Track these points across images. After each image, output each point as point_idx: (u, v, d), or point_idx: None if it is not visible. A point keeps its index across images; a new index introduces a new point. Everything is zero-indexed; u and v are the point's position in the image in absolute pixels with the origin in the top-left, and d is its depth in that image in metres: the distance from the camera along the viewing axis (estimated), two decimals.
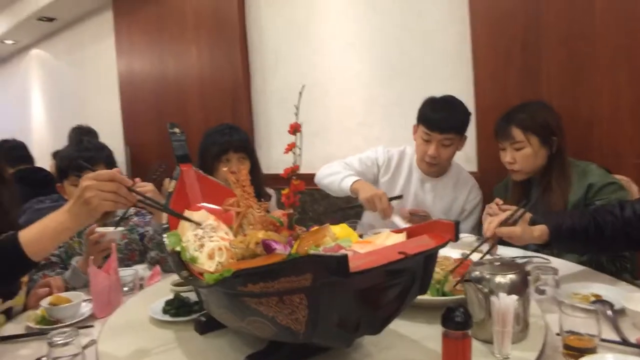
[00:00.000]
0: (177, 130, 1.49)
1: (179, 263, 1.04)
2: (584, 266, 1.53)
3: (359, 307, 0.76)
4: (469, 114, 2.02)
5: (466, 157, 2.46)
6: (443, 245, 0.81)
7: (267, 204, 1.17)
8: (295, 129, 1.08)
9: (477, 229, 2.13)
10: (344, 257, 0.63)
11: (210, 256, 1.04)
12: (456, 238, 0.82)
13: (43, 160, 5.38)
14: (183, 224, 1.16)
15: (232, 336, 1.06)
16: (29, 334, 1.22)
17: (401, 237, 0.90)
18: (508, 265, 0.99)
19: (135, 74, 4.39)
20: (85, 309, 1.34)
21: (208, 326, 1.10)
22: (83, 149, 1.72)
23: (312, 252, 0.80)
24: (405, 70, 2.67)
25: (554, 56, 2.09)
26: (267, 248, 0.96)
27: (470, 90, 2.38)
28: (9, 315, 1.38)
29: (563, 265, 1.50)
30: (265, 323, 0.79)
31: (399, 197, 2.02)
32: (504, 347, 0.87)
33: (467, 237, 1.70)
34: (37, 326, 1.25)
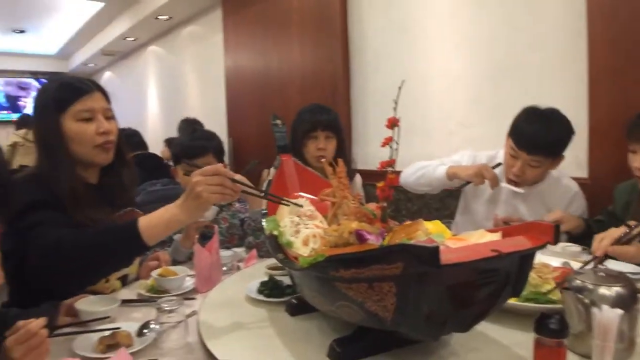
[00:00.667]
0: (279, 122, 1.58)
1: (275, 246, 1.10)
2: None
3: (448, 302, 0.76)
4: (570, 133, 1.80)
5: (576, 162, 2.29)
6: (540, 247, 0.78)
7: (361, 196, 1.20)
8: (393, 123, 1.09)
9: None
10: (436, 249, 0.63)
11: (305, 242, 1.09)
12: (555, 241, 0.78)
13: (156, 146, 5.88)
14: (281, 210, 1.22)
15: (320, 320, 1.10)
16: (141, 300, 1.36)
17: (497, 237, 0.87)
18: (614, 277, 0.92)
19: (241, 70, 4.63)
20: (189, 282, 1.46)
21: (298, 309, 1.15)
22: (196, 138, 1.88)
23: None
24: (511, 71, 2.55)
25: None
26: (360, 238, 0.98)
27: (584, 92, 2.21)
28: (124, 281, 1.55)
29: None
30: (354, 308, 0.81)
31: (499, 164, 1.96)
32: None
33: (571, 247, 1.59)
34: (147, 294, 1.40)
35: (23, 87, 9.89)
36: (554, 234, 0.77)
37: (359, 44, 3.43)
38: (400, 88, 1.12)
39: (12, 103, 9.79)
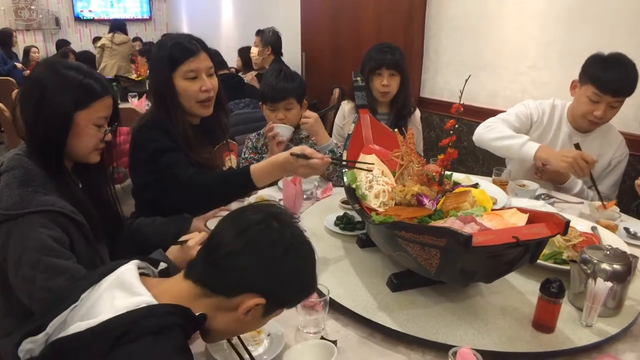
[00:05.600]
0: (359, 79, 1.82)
1: (353, 197, 1.42)
2: None
3: (478, 264, 1.06)
4: (639, 76, 1.95)
5: (638, 120, 2.38)
6: (551, 237, 1.05)
7: (424, 160, 1.46)
8: (457, 110, 1.31)
9: (618, 184, 2.20)
10: (469, 237, 0.93)
11: (377, 196, 1.40)
12: (564, 233, 1.05)
13: (230, 51, 6.08)
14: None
15: (382, 255, 1.44)
16: None
17: (524, 218, 1.14)
18: (617, 256, 1.17)
19: None
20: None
21: (366, 243, 1.49)
22: (279, 80, 2.14)
23: (450, 223, 1.10)
24: (586, 16, 2.53)
25: None
26: (419, 202, 1.28)
27: None
28: None
29: None
30: (409, 259, 1.14)
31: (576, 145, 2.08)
32: (590, 318, 1.11)
33: (607, 211, 1.74)
34: None
35: None
36: (565, 228, 1.03)
37: None
38: (466, 80, 1.32)
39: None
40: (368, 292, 1.26)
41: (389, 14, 3.79)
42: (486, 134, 2.16)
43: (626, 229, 1.70)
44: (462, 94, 1.30)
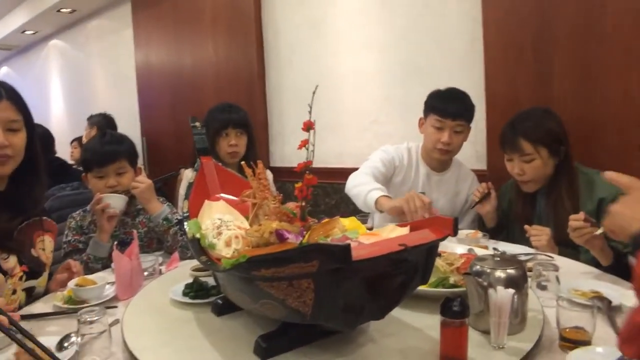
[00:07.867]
0: (197, 124, 1.57)
1: (198, 249, 1.11)
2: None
3: (363, 294, 0.82)
4: (474, 105, 2.09)
5: (477, 155, 2.51)
6: (442, 239, 0.87)
7: (281, 196, 1.23)
8: (308, 126, 1.14)
9: (480, 220, 2.19)
10: (347, 246, 0.69)
11: (227, 243, 1.11)
12: (455, 233, 0.88)
13: (62, 146, 5.50)
14: (203, 213, 1.23)
15: (246, 318, 1.13)
16: (58, 312, 1.30)
17: (405, 231, 0.95)
18: (508, 261, 1.04)
19: (153, 66, 4.46)
20: (109, 290, 1.42)
21: (224, 308, 1.17)
22: (106, 143, 1.80)
23: (319, 241, 0.86)
24: (418, 71, 2.71)
25: (565, 58, 2.11)
26: (280, 237, 1.02)
27: (482, 90, 2.41)
28: (30, 293, 1.46)
29: (567, 264, 1.54)
30: (276, 305, 0.85)
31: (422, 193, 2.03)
32: (500, 338, 0.93)
33: (475, 237, 1.75)
34: (65, 305, 1.33)
35: None
36: (454, 227, 0.86)
37: (274, 41, 3.45)
38: (314, 93, 1.17)
39: None
40: None
41: (229, 87, 3.72)
42: (349, 182, 2.09)
43: (495, 249, 1.67)
44: (311, 108, 1.14)
